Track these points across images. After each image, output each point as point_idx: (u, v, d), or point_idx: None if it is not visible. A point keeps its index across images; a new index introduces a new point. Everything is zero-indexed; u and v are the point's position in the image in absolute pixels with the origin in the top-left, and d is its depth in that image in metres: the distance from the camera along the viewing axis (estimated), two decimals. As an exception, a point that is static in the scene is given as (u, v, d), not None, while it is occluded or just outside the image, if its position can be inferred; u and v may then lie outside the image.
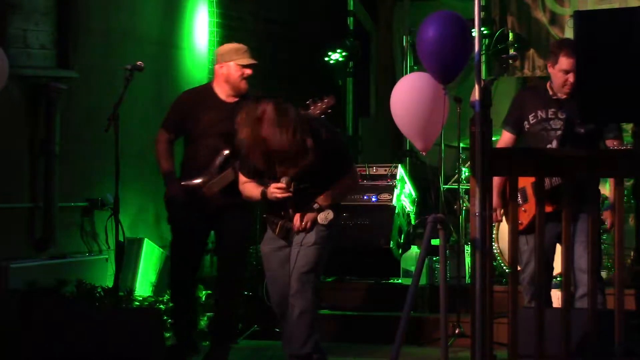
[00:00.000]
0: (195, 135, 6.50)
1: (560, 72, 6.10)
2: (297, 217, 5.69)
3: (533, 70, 9.23)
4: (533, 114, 6.19)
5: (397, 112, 6.52)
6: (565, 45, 6.09)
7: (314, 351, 5.68)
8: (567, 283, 4.79)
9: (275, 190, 5.61)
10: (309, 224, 5.68)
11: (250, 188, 5.81)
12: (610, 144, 6.11)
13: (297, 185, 5.60)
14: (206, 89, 6.65)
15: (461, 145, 8.16)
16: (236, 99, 6.49)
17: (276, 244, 5.83)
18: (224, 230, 6.52)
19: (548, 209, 5.90)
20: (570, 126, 6.05)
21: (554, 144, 6.08)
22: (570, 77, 6.07)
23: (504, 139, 6.32)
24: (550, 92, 6.19)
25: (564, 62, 6.08)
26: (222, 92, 6.54)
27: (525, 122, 6.22)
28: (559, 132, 6.10)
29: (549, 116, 6.14)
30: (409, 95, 6.40)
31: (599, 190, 6.05)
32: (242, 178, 5.86)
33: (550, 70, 6.17)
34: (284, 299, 5.77)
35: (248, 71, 6.50)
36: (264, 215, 6.00)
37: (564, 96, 6.14)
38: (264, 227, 6.01)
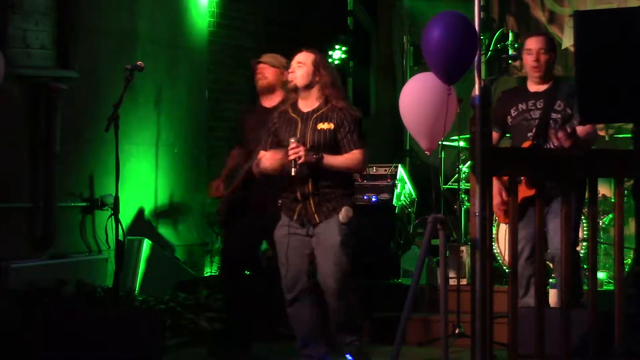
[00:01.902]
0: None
1: (527, 55, 6.27)
2: (293, 146, 5.81)
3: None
4: (514, 107, 6.33)
5: (405, 111, 6.52)
6: (531, 30, 6.25)
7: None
8: (567, 283, 4.79)
9: (291, 150, 5.76)
10: (302, 158, 5.77)
11: (269, 157, 5.98)
12: (580, 129, 6.09)
13: (309, 150, 5.79)
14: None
15: (461, 145, 8.16)
16: (275, 101, 6.69)
17: (290, 230, 5.94)
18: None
19: (529, 192, 5.95)
20: (547, 113, 6.12)
21: (533, 132, 6.17)
22: (538, 57, 6.20)
23: None
24: (530, 88, 6.32)
25: (527, 42, 6.30)
26: (263, 99, 6.87)
27: (508, 117, 6.34)
28: (537, 121, 6.17)
29: (529, 107, 6.28)
30: (419, 95, 6.40)
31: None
32: (260, 154, 6.06)
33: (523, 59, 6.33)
34: (297, 283, 5.95)
35: (258, 68, 6.80)
36: (279, 202, 6.07)
37: (543, 86, 6.21)
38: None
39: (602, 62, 4.47)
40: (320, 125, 5.93)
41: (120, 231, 6.43)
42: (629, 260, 7.36)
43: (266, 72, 6.78)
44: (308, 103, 6.01)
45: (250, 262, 6.91)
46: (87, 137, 7.53)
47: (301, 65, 6.01)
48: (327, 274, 5.89)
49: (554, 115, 6.17)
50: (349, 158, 5.93)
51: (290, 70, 6.05)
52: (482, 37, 8.62)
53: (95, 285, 7.11)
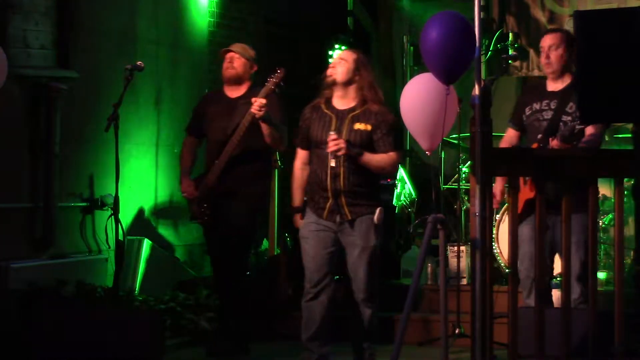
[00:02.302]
0: (207, 134, 6.83)
1: (542, 52, 6.22)
2: (334, 137, 5.85)
3: (533, 70, 9.22)
4: (529, 106, 6.28)
5: (406, 111, 6.52)
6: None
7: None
8: (567, 283, 4.79)
9: (331, 142, 5.82)
10: (343, 151, 5.82)
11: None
12: (589, 127, 6.07)
13: (349, 146, 5.85)
14: (219, 89, 6.97)
15: (461, 145, 8.16)
16: (240, 92, 6.76)
17: (318, 227, 5.98)
18: (220, 221, 6.72)
19: (531, 194, 5.93)
20: (558, 115, 6.08)
21: (542, 133, 6.13)
22: (548, 55, 6.16)
23: (507, 134, 6.42)
24: (548, 87, 6.24)
25: (541, 40, 6.26)
26: (226, 89, 6.85)
27: (523, 116, 6.30)
28: (547, 122, 6.14)
29: (542, 107, 6.21)
30: (419, 95, 6.40)
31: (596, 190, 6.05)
32: (298, 155, 6.16)
33: None
34: (321, 280, 5.98)
35: (227, 57, 6.77)
36: (305, 199, 6.12)
37: (560, 85, 6.18)
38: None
39: (602, 62, 4.47)
40: (357, 126, 5.97)
41: (120, 231, 6.43)
42: (629, 260, 7.36)
43: (235, 63, 6.77)
44: (344, 101, 6.03)
45: (237, 260, 6.75)
46: (87, 137, 7.53)
47: (343, 62, 6.02)
48: (361, 277, 5.95)
49: (564, 118, 6.07)
50: (385, 158, 5.98)
51: (331, 65, 6.10)
52: (483, 39, 8.66)
53: (95, 285, 7.11)
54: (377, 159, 5.95)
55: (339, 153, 5.83)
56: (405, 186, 8.46)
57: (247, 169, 6.64)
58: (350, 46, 9.95)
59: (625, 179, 5.81)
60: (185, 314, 7.31)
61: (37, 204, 7.25)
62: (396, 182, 8.26)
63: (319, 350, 6.03)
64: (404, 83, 10.03)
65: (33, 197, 7.24)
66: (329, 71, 6.02)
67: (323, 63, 9.93)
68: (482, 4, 5.23)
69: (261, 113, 6.39)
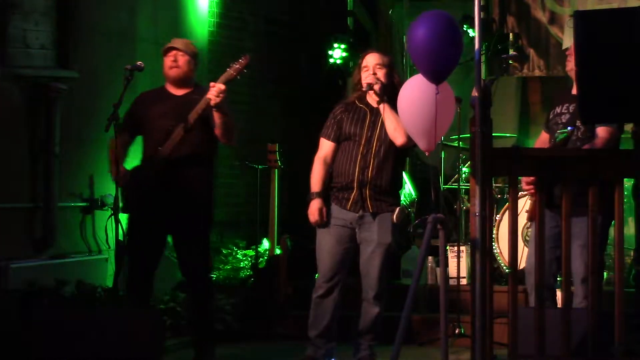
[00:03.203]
0: (145, 133, 6.36)
1: (568, 55, 6.22)
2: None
3: (533, 70, 9.22)
4: (553, 110, 6.29)
5: (404, 111, 6.53)
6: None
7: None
8: (567, 283, 4.79)
9: (367, 77, 6.06)
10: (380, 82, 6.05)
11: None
12: (600, 130, 6.06)
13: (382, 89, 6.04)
14: (160, 88, 6.51)
15: (461, 145, 8.16)
16: (185, 90, 6.36)
17: (337, 222, 6.05)
18: (183, 233, 6.25)
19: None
20: (574, 119, 6.06)
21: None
22: (571, 61, 6.12)
23: (539, 138, 6.44)
24: (573, 90, 6.22)
25: (571, 46, 6.18)
26: (168, 86, 6.42)
27: (548, 119, 6.31)
28: (562, 126, 6.12)
29: (562, 111, 6.20)
30: (418, 95, 6.40)
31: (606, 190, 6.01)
32: (322, 147, 6.16)
33: None
34: (335, 275, 6.02)
35: (168, 56, 6.34)
36: (328, 190, 6.12)
37: None
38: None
39: (602, 62, 4.47)
40: None
41: (120, 231, 6.42)
42: (629, 260, 7.36)
43: (180, 61, 6.37)
44: (372, 94, 6.13)
45: (203, 268, 6.35)
46: (87, 137, 7.53)
47: (380, 67, 6.15)
48: (373, 274, 6.00)
49: (579, 122, 6.04)
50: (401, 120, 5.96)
51: (365, 69, 6.15)
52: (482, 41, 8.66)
53: (95, 285, 7.11)
54: (396, 115, 5.97)
55: (376, 87, 6.02)
56: (405, 186, 8.46)
57: (192, 172, 6.22)
58: (350, 46, 9.97)
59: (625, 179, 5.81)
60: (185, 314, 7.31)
61: (37, 204, 7.25)
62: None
63: (325, 346, 6.08)
64: (403, 83, 10.06)
65: (33, 197, 7.24)
66: (372, 78, 6.10)
67: (323, 63, 9.95)
68: (482, 4, 5.23)
69: (218, 100, 6.01)
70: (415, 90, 6.43)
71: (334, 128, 6.18)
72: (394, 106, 5.94)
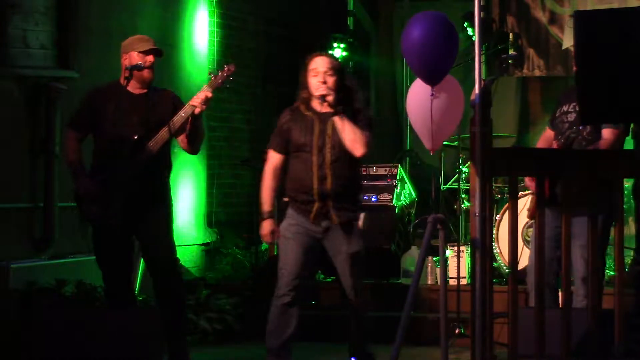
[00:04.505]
0: (103, 130, 6.09)
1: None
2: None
3: (533, 70, 9.22)
4: (560, 108, 6.28)
5: (412, 109, 6.53)
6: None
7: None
8: (567, 283, 4.79)
9: (318, 87, 5.72)
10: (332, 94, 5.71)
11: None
12: (606, 131, 6.06)
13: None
14: (115, 85, 6.21)
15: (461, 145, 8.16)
16: (144, 91, 6.13)
17: (301, 229, 5.84)
18: (149, 230, 6.11)
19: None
20: (579, 118, 6.06)
21: (563, 136, 6.12)
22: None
23: (543, 134, 6.43)
24: None
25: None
26: (130, 85, 6.09)
27: (554, 117, 6.31)
28: (568, 124, 6.13)
29: (569, 109, 6.19)
30: (426, 94, 6.39)
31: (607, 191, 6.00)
32: (271, 159, 5.91)
33: None
34: (298, 285, 5.83)
35: (150, 58, 6.07)
36: (285, 199, 5.96)
37: None
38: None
39: (602, 62, 4.47)
40: None
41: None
42: (629, 260, 7.36)
43: (154, 66, 6.12)
44: (325, 103, 5.80)
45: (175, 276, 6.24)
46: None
47: (332, 74, 5.81)
48: (349, 282, 5.89)
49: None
50: (359, 130, 5.77)
51: (313, 75, 5.82)
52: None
53: (95, 285, 7.10)
54: (353, 125, 5.73)
55: (329, 98, 5.69)
56: (405, 186, 8.46)
57: (160, 176, 6.12)
58: (350, 46, 9.97)
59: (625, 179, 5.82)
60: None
61: (37, 204, 7.25)
62: (396, 182, 8.26)
63: (290, 358, 5.87)
64: (404, 83, 10.07)
65: (33, 197, 7.24)
66: (323, 89, 5.74)
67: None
68: (482, 4, 5.23)
69: (203, 108, 5.85)
70: (424, 89, 6.42)
71: (282, 139, 5.88)
72: (350, 113, 5.76)
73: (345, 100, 5.79)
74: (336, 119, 5.74)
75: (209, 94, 5.90)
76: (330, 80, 5.78)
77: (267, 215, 5.88)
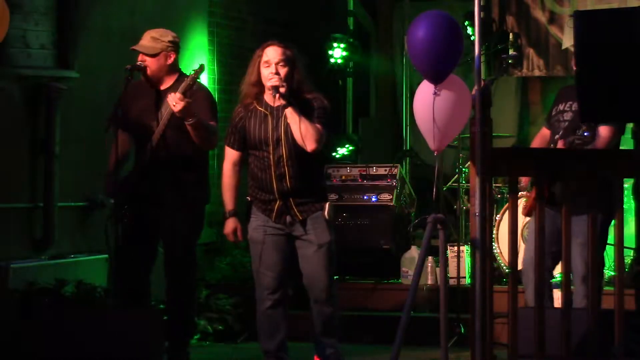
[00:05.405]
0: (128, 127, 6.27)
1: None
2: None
3: (533, 70, 9.22)
4: (556, 107, 6.28)
5: (418, 109, 6.53)
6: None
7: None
8: (567, 283, 4.79)
9: (270, 79, 5.57)
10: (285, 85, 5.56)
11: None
12: (603, 129, 6.06)
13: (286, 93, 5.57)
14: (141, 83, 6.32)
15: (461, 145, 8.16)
16: (167, 84, 6.21)
17: (269, 230, 5.74)
18: (166, 230, 6.16)
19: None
20: (576, 117, 6.06)
21: (560, 135, 6.10)
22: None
23: (539, 133, 6.45)
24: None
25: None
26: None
27: (551, 116, 6.31)
28: (565, 124, 6.13)
29: (565, 108, 6.20)
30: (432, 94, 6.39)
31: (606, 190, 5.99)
32: (228, 156, 5.82)
33: None
34: (280, 286, 5.74)
35: (139, 58, 6.16)
36: (248, 199, 5.87)
37: None
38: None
39: (602, 62, 4.47)
40: None
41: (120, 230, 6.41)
42: (629, 260, 7.36)
43: (147, 62, 6.17)
44: (277, 97, 5.64)
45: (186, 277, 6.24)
46: (87, 137, 7.53)
47: (284, 65, 5.66)
48: (318, 277, 5.73)
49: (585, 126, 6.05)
50: (310, 124, 5.60)
51: (265, 66, 5.67)
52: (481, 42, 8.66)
53: (95, 285, 7.11)
54: (304, 118, 5.57)
55: (282, 90, 5.54)
56: (405, 186, 8.46)
57: (179, 175, 6.14)
58: (350, 46, 9.97)
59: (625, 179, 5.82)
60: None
61: (36, 204, 7.25)
62: (396, 182, 8.26)
63: (287, 358, 5.84)
64: (404, 83, 10.07)
65: (33, 197, 7.24)
66: (276, 80, 5.58)
67: (323, 63, 9.95)
68: (482, 4, 5.23)
69: (178, 108, 5.82)
70: (431, 89, 6.41)
71: (237, 136, 5.77)
72: (300, 105, 5.59)
73: (297, 92, 5.66)
74: (287, 112, 5.60)
75: (177, 95, 5.84)
76: (283, 71, 5.63)
77: (229, 214, 5.83)
